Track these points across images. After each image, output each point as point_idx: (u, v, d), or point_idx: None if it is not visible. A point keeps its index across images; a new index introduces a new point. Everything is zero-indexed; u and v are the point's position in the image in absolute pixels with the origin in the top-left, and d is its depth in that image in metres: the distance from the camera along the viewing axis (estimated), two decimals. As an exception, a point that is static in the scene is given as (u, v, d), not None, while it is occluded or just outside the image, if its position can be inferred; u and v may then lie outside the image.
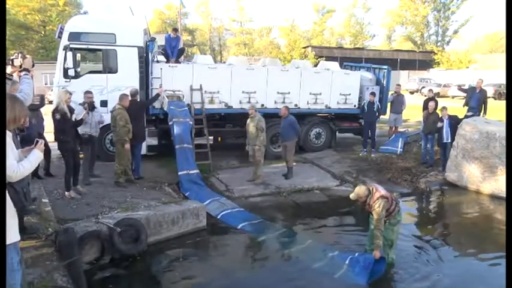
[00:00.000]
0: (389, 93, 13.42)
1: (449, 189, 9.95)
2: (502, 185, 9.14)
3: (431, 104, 11.36)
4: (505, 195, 9.00)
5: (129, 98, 8.54)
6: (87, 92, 8.35)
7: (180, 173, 8.85)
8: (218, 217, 7.60)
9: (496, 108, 14.07)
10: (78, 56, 9.80)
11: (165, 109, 10.12)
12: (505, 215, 8.44)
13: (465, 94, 13.78)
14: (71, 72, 9.48)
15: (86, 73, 10.01)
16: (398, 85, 14.33)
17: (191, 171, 8.89)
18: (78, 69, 9.72)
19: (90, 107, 8.15)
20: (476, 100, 12.73)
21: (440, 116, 10.60)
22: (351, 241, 7.01)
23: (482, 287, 5.71)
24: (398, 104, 13.53)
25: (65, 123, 7.17)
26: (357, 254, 5.96)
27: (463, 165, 9.85)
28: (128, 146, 8.27)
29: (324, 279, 5.68)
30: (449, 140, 10.33)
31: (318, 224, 7.83)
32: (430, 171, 10.86)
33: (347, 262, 5.85)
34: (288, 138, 9.86)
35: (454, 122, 10.26)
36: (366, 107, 12.20)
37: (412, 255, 6.49)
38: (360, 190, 5.71)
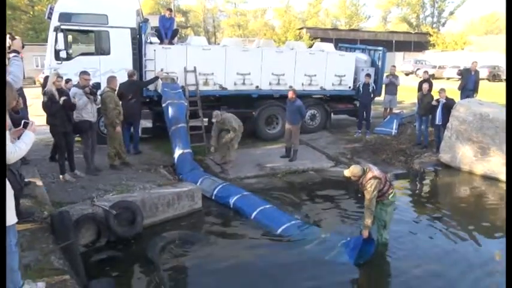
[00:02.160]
0: (385, 74, 13.38)
1: (443, 170, 10.04)
2: (494, 165, 9.26)
3: (425, 85, 11.35)
4: (496, 176, 9.17)
5: (117, 79, 8.44)
6: (84, 73, 7.75)
7: (175, 155, 8.83)
8: (213, 197, 7.63)
9: (490, 90, 14.12)
10: (70, 37, 9.66)
11: (159, 91, 10.05)
12: (496, 196, 8.62)
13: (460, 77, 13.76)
14: (63, 54, 9.32)
15: (78, 55, 9.88)
16: (394, 66, 14.28)
17: (185, 151, 8.86)
18: (70, 51, 9.60)
19: (91, 91, 7.66)
20: (472, 82, 12.78)
21: (438, 97, 10.60)
22: (346, 222, 7.07)
23: (471, 267, 5.76)
24: (393, 85, 13.50)
25: (52, 106, 6.99)
26: (349, 238, 5.97)
27: (457, 147, 9.91)
28: (119, 128, 8.21)
29: (314, 261, 5.72)
30: (441, 123, 10.38)
31: (312, 206, 7.87)
32: (424, 152, 10.92)
33: (339, 245, 5.89)
34: (294, 122, 9.88)
35: (447, 105, 10.26)
36: (361, 89, 12.17)
37: (406, 235, 6.56)
38: (355, 169, 5.77)
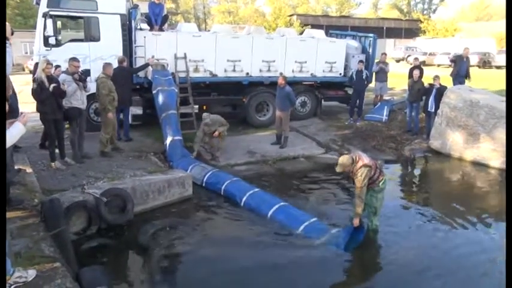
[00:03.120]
0: (375, 60, 13.42)
1: (433, 157, 10.16)
2: (483, 152, 9.38)
3: (415, 72, 11.40)
4: (486, 162, 9.30)
5: (113, 66, 8.42)
6: (73, 60, 7.64)
7: (166, 142, 8.83)
8: (203, 184, 7.65)
9: (480, 77, 14.22)
10: (59, 23, 9.53)
11: (150, 78, 9.99)
12: (485, 182, 8.76)
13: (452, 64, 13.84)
14: (52, 41, 9.21)
15: (68, 41, 9.76)
16: (384, 54, 14.30)
17: (176, 138, 8.85)
18: (59, 37, 9.47)
19: (80, 77, 7.60)
20: (465, 69, 12.88)
21: (432, 82, 10.68)
22: (337, 208, 7.13)
23: (462, 251, 5.88)
24: (383, 72, 13.54)
25: (41, 93, 6.92)
26: (338, 229, 5.99)
27: (447, 133, 10.01)
28: (110, 114, 8.19)
29: (305, 244, 5.77)
30: (433, 110, 10.45)
31: (302, 192, 7.93)
32: (414, 139, 11.03)
33: (331, 231, 5.91)
34: (283, 108, 9.90)
35: (440, 92, 10.33)
36: (354, 76, 12.18)
37: (396, 221, 6.63)
38: (344, 160, 5.74)
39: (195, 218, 6.76)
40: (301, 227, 6.00)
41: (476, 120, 9.48)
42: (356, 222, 5.74)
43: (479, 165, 9.40)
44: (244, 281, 4.94)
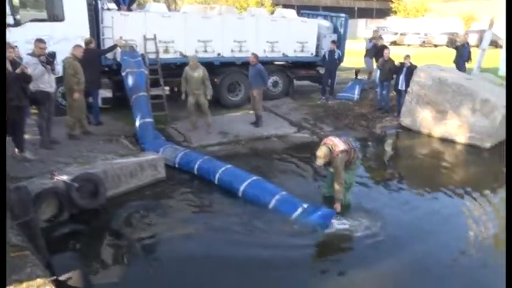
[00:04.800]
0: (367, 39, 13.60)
1: (403, 133, 10.41)
2: (450, 128, 9.69)
3: (386, 51, 11.53)
4: (453, 138, 9.64)
5: (82, 48, 8.15)
6: (39, 41, 7.14)
7: (136, 124, 8.68)
8: (176, 165, 7.60)
9: (449, 56, 14.52)
10: (16, 0, 9.08)
11: (118, 59, 9.75)
12: (452, 156, 9.18)
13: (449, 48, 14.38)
14: (9, 20, 8.67)
15: (28, 21, 9.31)
16: (376, 31, 14.43)
17: (147, 120, 8.72)
18: (18, 17, 9.06)
19: (47, 60, 7.16)
20: (467, 54, 13.41)
21: (403, 61, 10.82)
22: (310, 187, 7.21)
23: (436, 217, 6.14)
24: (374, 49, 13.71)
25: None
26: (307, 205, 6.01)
27: (417, 111, 10.22)
28: (77, 94, 7.93)
29: (281, 219, 5.82)
30: (404, 88, 10.61)
31: (276, 172, 7.93)
32: (385, 116, 11.19)
33: (305, 206, 5.95)
34: (256, 87, 9.85)
35: (411, 70, 10.47)
36: (326, 56, 12.22)
37: (367, 195, 6.82)
38: (322, 152, 5.83)
39: (169, 200, 6.70)
40: (273, 201, 6.06)
41: (445, 98, 9.70)
42: (338, 207, 5.89)
43: (446, 141, 9.72)
44: (220, 264, 4.92)
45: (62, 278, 3.86)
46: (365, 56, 14.32)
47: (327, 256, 5.38)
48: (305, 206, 5.92)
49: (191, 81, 9.16)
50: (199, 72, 9.09)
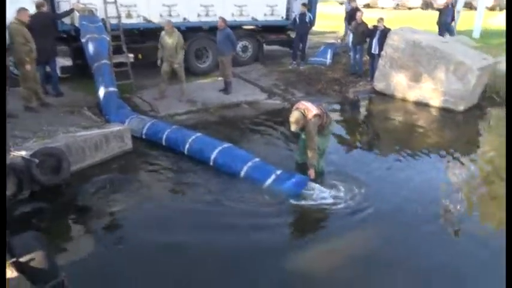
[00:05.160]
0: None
1: (377, 98, 10.34)
2: (425, 92, 9.66)
3: (359, 14, 11.29)
4: (427, 102, 9.64)
5: (28, 12, 7.41)
6: None
7: (99, 94, 8.23)
8: (143, 136, 7.29)
9: (424, 18, 14.47)
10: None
11: (76, 25, 9.13)
12: (427, 119, 9.16)
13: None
14: None
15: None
16: None
17: (110, 89, 8.28)
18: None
19: None
20: (451, 15, 13.47)
21: (376, 25, 10.61)
22: (282, 154, 7.03)
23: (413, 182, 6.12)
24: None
25: None
26: (280, 171, 5.85)
27: (391, 75, 10.13)
28: (29, 67, 7.38)
29: (253, 187, 5.67)
30: (377, 52, 10.45)
31: (247, 139, 7.71)
32: (358, 81, 11.06)
33: (278, 173, 5.80)
34: (224, 52, 9.54)
35: (384, 33, 10.27)
36: (297, 19, 11.88)
37: (341, 161, 6.72)
38: (296, 117, 5.63)
39: (136, 173, 6.44)
40: (245, 168, 5.89)
41: (419, 61, 9.60)
42: (312, 174, 5.75)
43: (421, 104, 9.70)
44: (187, 242, 4.69)
45: (23, 259, 3.61)
46: (345, 19, 14.00)
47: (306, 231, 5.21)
48: (278, 172, 5.77)
49: (166, 48, 8.88)
50: (174, 38, 8.78)
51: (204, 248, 4.54)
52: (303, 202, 5.41)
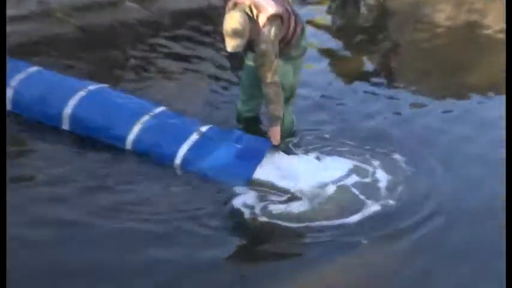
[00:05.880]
0: None
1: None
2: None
3: None
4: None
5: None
6: None
7: None
8: None
9: None
10: None
11: None
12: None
13: None
14: None
15: None
16: None
17: None
18: None
19: None
20: None
21: None
22: (208, 99, 3.94)
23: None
24: None
25: None
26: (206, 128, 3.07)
27: None
28: None
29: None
30: None
31: (141, 73, 4.23)
32: None
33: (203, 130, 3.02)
34: None
35: None
36: None
37: (333, 109, 3.98)
38: (234, 24, 2.70)
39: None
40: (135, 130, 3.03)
41: None
42: (276, 137, 3.04)
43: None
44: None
45: None
46: None
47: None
48: (203, 129, 3.02)
49: None
50: None
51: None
52: (257, 211, 2.63)
